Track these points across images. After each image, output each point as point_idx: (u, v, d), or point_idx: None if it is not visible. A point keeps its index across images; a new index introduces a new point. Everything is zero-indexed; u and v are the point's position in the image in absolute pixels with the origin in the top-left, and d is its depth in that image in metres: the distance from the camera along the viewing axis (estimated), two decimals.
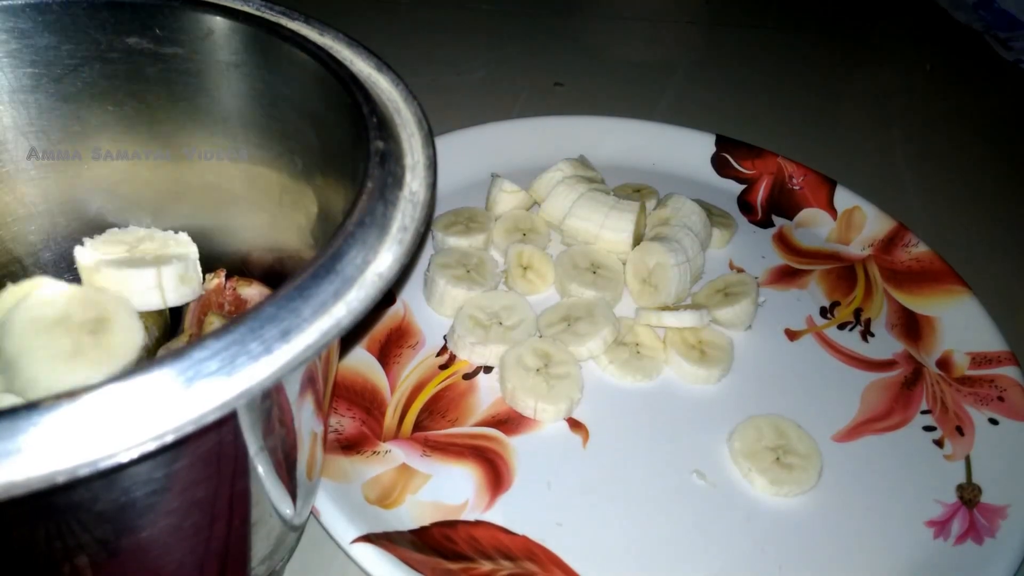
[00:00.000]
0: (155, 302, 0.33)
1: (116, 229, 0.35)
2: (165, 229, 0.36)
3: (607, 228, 0.49)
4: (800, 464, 0.41)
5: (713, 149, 0.61)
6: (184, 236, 0.36)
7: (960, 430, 0.45)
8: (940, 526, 0.40)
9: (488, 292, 0.48)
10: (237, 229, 0.37)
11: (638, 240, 0.50)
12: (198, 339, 0.20)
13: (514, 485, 0.40)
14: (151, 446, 0.18)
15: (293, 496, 0.30)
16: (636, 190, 0.57)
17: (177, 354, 0.19)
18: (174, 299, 0.34)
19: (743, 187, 0.59)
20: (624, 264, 0.50)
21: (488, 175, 0.56)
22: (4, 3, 0.30)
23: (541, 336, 0.46)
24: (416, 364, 0.45)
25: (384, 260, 0.24)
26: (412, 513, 0.38)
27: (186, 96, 0.33)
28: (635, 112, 0.64)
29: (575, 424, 0.43)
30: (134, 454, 0.18)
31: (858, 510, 0.40)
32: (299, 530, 0.36)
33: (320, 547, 0.38)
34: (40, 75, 0.32)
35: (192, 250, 0.35)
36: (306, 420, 0.29)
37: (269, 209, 0.35)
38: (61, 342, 0.28)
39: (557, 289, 0.50)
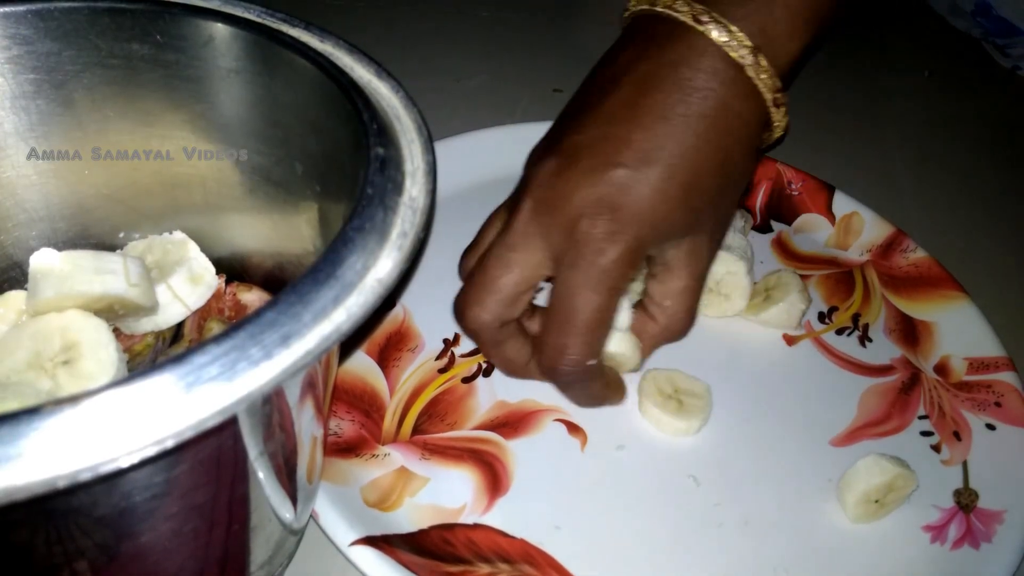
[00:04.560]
0: (180, 312, 0.34)
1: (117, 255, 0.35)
2: (162, 233, 0.36)
3: None
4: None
5: None
6: (179, 235, 0.35)
7: (957, 435, 0.45)
8: (937, 531, 0.40)
9: None
10: (237, 235, 0.37)
11: None
12: (198, 344, 0.20)
13: (512, 488, 0.40)
14: (152, 451, 0.18)
15: (293, 500, 0.30)
16: None
17: (177, 359, 0.19)
18: (194, 302, 0.34)
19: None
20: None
21: (487, 179, 0.56)
22: (6, 9, 0.30)
23: None
24: (415, 367, 0.45)
25: (384, 266, 0.24)
26: (410, 516, 0.38)
27: (187, 102, 0.33)
28: None
29: (573, 428, 0.43)
30: (135, 459, 0.18)
31: None
32: (299, 534, 0.36)
33: (319, 552, 0.38)
34: (41, 81, 0.32)
35: (190, 247, 0.35)
36: (306, 424, 0.29)
37: (269, 215, 0.35)
38: (39, 385, 0.28)
39: None
